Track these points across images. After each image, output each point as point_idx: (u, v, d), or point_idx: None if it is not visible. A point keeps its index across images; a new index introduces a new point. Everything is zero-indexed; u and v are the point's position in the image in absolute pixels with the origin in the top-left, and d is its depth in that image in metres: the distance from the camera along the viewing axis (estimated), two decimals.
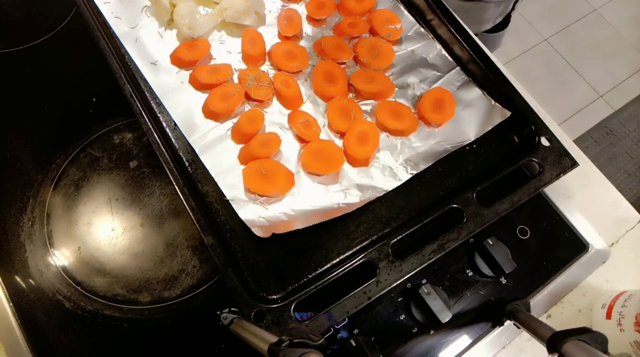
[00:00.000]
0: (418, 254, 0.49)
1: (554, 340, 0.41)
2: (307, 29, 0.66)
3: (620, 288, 0.57)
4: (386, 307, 0.54)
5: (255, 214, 0.53)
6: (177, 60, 0.60)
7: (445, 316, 0.51)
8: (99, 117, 0.63)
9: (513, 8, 0.93)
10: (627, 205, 0.63)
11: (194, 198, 0.51)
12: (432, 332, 0.53)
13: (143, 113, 0.55)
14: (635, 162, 1.69)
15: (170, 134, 0.56)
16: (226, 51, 0.63)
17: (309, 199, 0.54)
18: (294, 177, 0.55)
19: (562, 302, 0.57)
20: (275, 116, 0.59)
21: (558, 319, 0.56)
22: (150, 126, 0.55)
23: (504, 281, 0.56)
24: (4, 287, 0.53)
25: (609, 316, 0.54)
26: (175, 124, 0.56)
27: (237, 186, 0.54)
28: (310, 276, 0.50)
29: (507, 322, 0.53)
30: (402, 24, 0.65)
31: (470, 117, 0.60)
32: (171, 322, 0.53)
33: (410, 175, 0.56)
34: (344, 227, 0.53)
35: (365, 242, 0.53)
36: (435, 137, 0.59)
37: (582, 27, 1.98)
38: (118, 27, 0.61)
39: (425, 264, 0.49)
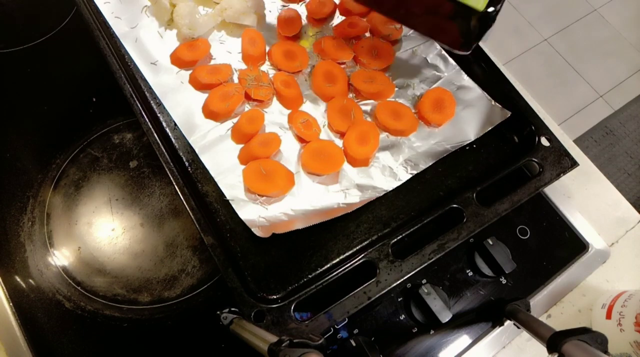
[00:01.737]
0: (418, 254, 0.49)
1: (554, 340, 0.41)
2: (307, 29, 0.66)
3: (620, 288, 0.57)
4: (386, 307, 0.54)
5: (255, 214, 0.53)
6: (177, 60, 0.60)
7: (445, 316, 0.51)
8: (99, 117, 0.63)
9: None
10: (627, 205, 0.63)
11: (194, 198, 0.51)
12: (432, 332, 0.53)
13: (143, 113, 0.55)
14: (635, 162, 1.69)
15: (170, 134, 0.56)
16: (226, 51, 0.63)
17: (309, 199, 0.54)
18: (294, 177, 0.55)
19: (562, 302, 0.57)
20: (275, 116, 0.59)
21: (558, 319, 0.56)
22: (150, 126, 0.55)
23: (504, 281, 0.56)
24: (4, 287, 0.53)
25: (609, 316, 0.54)
26: (175, 124, 0.56)
27: (237, 185, 0.54)
28: (310, 276, 0.50)
29: (507, 322, 0.53)
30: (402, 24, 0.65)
31: (470, 117, 0.60)
32: (171, 322, 0.53)
33: (410, 176, 0.56)
34: (344, 227, 0.53)
35: (365, 242, 0.53)
36: (435, 137, 0.59)
37: (582, 27, 1.98)
38: (118, 27, 0.61)
39: (425, 264, 0.49)
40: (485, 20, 0.48)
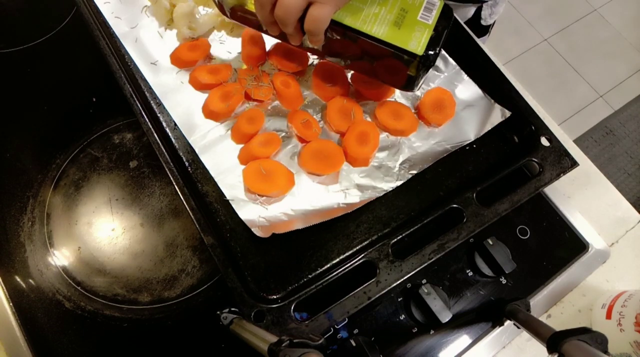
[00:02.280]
0: (418, 254, 0.49)
1: (554, 340, 0.41)
2: None
3: (620, 288, 0.57)
4: (386, 307, 0.54)
5: (255, 214, 0.53)
6: (177, 60, 0.60)
7: (445, 316, 0.51)
8: (99, 117, 0.63)
9: (478, 14, 0.90)
10: (627, 205, 0.63)
11: (194, 198, 0.51)
12: (432, 332, 0.53)
13: (143, 113, 0.55)
14: (635, 162, 1.69)
15: (170, 134, 0.56)
16: (226, 51, 0.63)
17: (309, 199, 0.54)
18: (294, 177, 0.55)
19: (562, 302, 0.57)
20: (275, 116, 0.59)
21: (558, 319, 0.56)
22: (150, 126, 0.55)
23: (504, 281, 0.56)
24: (4, 287, 0.53)
25: (609, 316, 0.54)
26: (175, 124, 0.56)
27: (237, 185, 0.54)
28: (310, 276, 0.50)
29: (507, 322, 0.53)
30: None
31: (470, 117, 0.60)
32: (171, 322, 0.53)
33: (410, 176, 0.56)
34: (344, 227, 0.53)
35: (365, 242, 0.53)
36: (435, 137, 0.59)
37: (582, 27, 1.98)
38: (118, 27, 0.61)
39: (425, 264, 0.49)
40: (426, 63, 0.49)
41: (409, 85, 0.54)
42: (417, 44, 0.48)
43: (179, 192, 0.51)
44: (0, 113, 0.63)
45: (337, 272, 0.50)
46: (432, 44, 0.49)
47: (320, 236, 0.52)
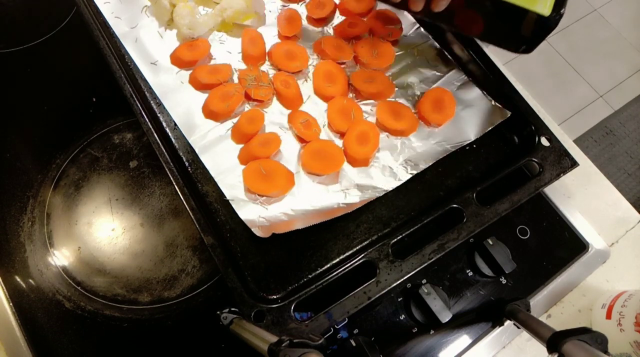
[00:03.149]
0: (418, 254, 0.49)
1: (554, 340, 0.41)
2: (307, 29, 0.66)
3: (620, 288, 0.57)
4: (386, 307, 0.54)
5: (255, 214, 0.53)
6: (177, 60, 0.60)
7: (445, 316, 0.51)
8: (99, 117, 0.63)
9: None
10: (627, 205, 0.63)
11: (194, 198, 0.51)
12: (432, 332, 0.53)
13: (143, 113, 0.55)
14: (635, 162, 1.69)
15: (170, 134, 0.56)
16: (226, 51, 0.63)
17: (309, 199, 0.54)
18: (294, 177, 0.55)
19: (562, 302, 0.57)
20: (275, 116, 0.59)
21: (558, 319, 0.56)
22: (150, 126, 0.55)
23: (504, 281, 0.56)
24: (4, 287, 0.53)
25: (609, 316, 0.54)
26: (175, 124, 0.56)
27: (237, 185, 0.54)
28: (310, 276, 0.50)
29: (507, 322, 0.53)
30: (402, 24, 0.65)
31: (470, 117, 0.60)
32: (171, 322, 0.53)
33: (410, 176, 0.56)
34: (344, 227, 0.53)
35: (365, 242, 0.53)
36: (435, 137, 0.59)
37: (582, 27, 1.98)
38: (118, 27, 0.61)
39: (425, 264, 0.49)
40: (551, 24, 0.49)
41: (528, 48, 0.53)
42: (543, 5, 0.48)
43: (179, 192, 0.51)
44: (0, 113, 0.63)
45: (337, 272, 0.50)
46: (558, 4, 0.48)
47: (320, 236, 0.52)
